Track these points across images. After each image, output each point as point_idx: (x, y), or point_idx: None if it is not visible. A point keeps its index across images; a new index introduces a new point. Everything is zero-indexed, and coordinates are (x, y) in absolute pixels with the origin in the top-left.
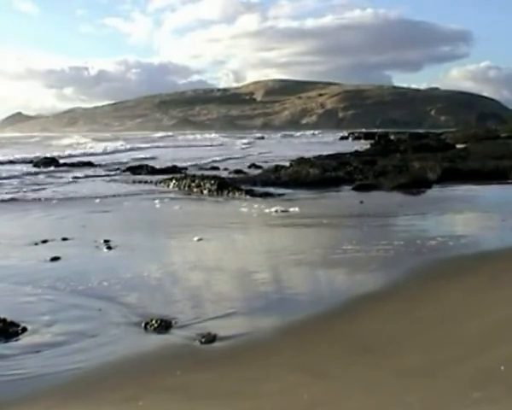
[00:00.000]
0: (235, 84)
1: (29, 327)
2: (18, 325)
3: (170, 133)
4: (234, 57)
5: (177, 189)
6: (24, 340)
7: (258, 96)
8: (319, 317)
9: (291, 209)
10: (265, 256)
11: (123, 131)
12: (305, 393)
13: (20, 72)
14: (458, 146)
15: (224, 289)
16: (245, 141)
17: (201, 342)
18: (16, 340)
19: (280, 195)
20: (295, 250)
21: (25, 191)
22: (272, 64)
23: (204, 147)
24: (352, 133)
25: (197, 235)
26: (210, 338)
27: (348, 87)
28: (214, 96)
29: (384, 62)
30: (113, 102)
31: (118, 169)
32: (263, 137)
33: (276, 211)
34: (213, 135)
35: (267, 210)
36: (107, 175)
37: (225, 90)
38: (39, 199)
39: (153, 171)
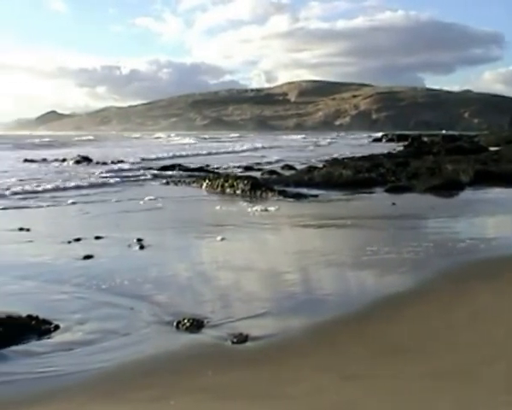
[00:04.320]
0: (266, 85)
1: (61, 325)
2: (50, 323)
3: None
4: (265, 58)
5: (210, 189)
6: (56, 338)
7: (292, 97)
8: (349, 318)
9: (321, 210)
10: (295, 257)
11: (156, 130)
12: (336, 394)
13: (52, 70)
14: (491, 149)
15: (254, 290)
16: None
17: (233, 342)
18: (48, 338)
19: (312, 196)
20: (326, 251)
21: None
22: (303, 65)
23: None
24: (386, 135)
25: (227, 234)
26: (242, 338)
27: (382, 89)
28: (247, 96)
29: (416, 64)
30: (145, 101)
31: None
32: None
33: (307, 211)
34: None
35: (298, 210)
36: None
37: (258, 90)
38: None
39: (186, 170)
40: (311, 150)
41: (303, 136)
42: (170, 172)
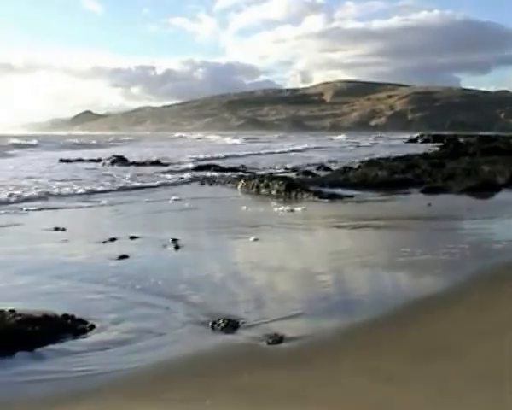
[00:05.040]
0: (301, 85)
1: (97, 324)
2: (86, 323)
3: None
4: (300, 58)
5: (245, 189)
6: (91, 337)
7: (328, 97)
8: (384, 320)
9: (356, 211)
10: (329, 258)
11: (191, 130)
12: (371, 396)
13: (86, 71)
14: None
15: (288, 290)
16: None
17: (268, 343)
18: (84, 337)
19: (348, 196)
20: (360, 252)
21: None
22: (338, 65)
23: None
24: (421, 136)
25: (261, 235)
26: (277, 339)
27: (417, 89)
28: (283, 96)
29: (451, 64)
30: (179, 101)
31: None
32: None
33: (342, 212)
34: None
35: (332, 211)
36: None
37: (294, 90)
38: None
39: (220, 170)
40: (351, 150)
41: (343, 136)
42: (205, 173)
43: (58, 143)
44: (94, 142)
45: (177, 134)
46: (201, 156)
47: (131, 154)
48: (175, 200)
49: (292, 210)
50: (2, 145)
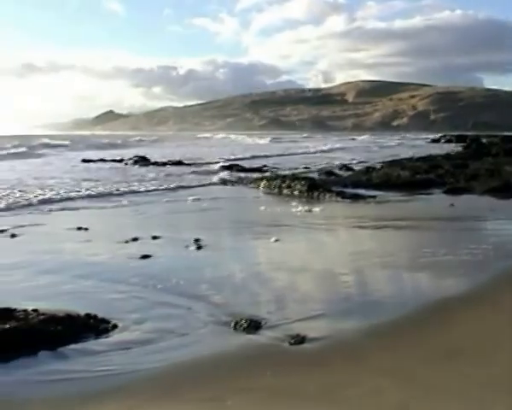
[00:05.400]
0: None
1: (119, 324)
2: (108, 322)
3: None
4: (322, 58)
5: (267, 189)
6: (114, 337)
7: (350, 97)
8: (405, 320)
9: (379, 211)
10: (351, 258)
11: (213, 130)
12: (394, 398)
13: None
14: None
15: (310, 291)
16: None
17: (290, 344)
18: (106, 337)
19: (370, 197)
20: (382, 253)
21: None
22: (360, 65)
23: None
24: (444, 136)
25: (281, 235)
26: (299, 340)
27: (439, 89)
28: (305, 96)
29: (474, 64)
30: (201, 101)
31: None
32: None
33: (364, 212)
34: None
35: (354, 211)
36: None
37: (316, 90)
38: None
39: (243, 170)
40: (375, 151)
41: (367, 136)
42: (228, 173)
43: (85, 143)
44: (119, 142)
45: (201, 134)
46: (227, 157)
47: (153, 154)
48: (197, 200)
49: (313, 210)
50: (32, 145)
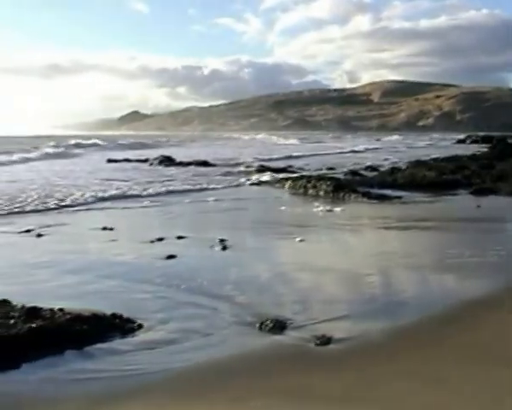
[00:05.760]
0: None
1: (144, 324)
2: (134, 322)
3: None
4: (347, 58)
5: (292, 189)
6: (139, 336)
7: (375, 98)
8: (431, 322)
9: (404, 211)
10: (376, 259)
11: (238, 130)
12: (419, 399)
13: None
14: None
15: (335, 291)
16: None
17: (316, 344)
18: (132, 336)
19: (396, 197)
20: (407, 253)
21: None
22: (385, 65)
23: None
24: (469, 136)
25: (306, 236)
26: (325, 340)
27: (465, 89)
28: (330, 96)
29: (500, 64)
30: (226, 101)
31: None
32: None
33: (390, 213)
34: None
35: (380, 212)
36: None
37: (341, 90)
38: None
39: (269, 170)
40: (404, 151)
41: (396, 137)
42: (256, 174)
43: (114, 144)
44: (150, 142)
45: (228, 134)
46: (256, 157)
47: (182, 154)
48: (222, 200)
49: (338, 211)
50: (66, 144)
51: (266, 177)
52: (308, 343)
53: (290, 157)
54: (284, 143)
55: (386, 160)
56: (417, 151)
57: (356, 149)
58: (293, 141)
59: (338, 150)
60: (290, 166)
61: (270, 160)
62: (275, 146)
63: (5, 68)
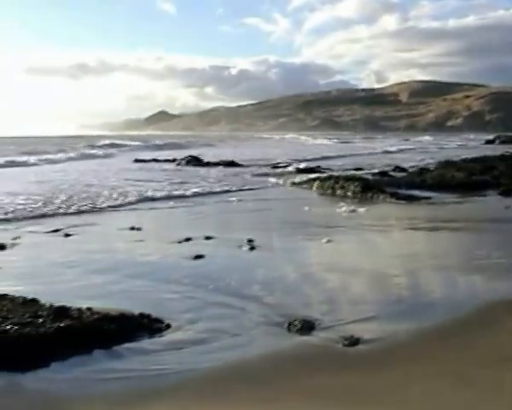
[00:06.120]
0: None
1: (172, 324)
2: (162, 322)
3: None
4: (374, 58)
5: (320, 190)
6: (167, 336)
7: (403, 98)
8: (459, 323)
9: (433, 212)
10: (403, 260)
11: (266, 130)
12: (452, 401)
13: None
14: None
15: (362, 292)
16: None
17: (345, 345)
18: (160, 336)
19: (424, 198)
20: (435, 254)
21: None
22: (413, 65)
23: None
24: (498, 137)
25: (333, 236)
26: (353, 341)
27: (495, 89)
28: (358, 96)
29: None
30: (254, 101)
31: None
32: None
33: (418, 214)
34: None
35: (408, 212)
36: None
37: (369, 90)
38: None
39: (298, 171)
40: (436, 152)
41: (427, 138)
42: (283, 174)
43: (147, 143)
44: (184, 142)
45: (258, 134)
46: (291, 157)
47: (208, 153)
48: (250, 200)
49: (366, 211)
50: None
51: (297, 178)
52: (336, 344)
53: (324, 158)
54: (314, 143)
55: (421, 160)
56: (449, 152)
57: (389, 149)
58: (322, 141)
59: (370, 151)
60: (318, 167)
61: (304, 160)
62: (305, 147)
63: (34, 68)
